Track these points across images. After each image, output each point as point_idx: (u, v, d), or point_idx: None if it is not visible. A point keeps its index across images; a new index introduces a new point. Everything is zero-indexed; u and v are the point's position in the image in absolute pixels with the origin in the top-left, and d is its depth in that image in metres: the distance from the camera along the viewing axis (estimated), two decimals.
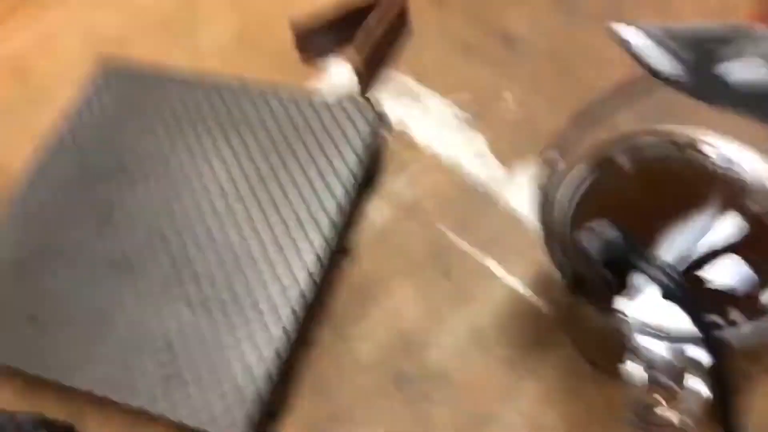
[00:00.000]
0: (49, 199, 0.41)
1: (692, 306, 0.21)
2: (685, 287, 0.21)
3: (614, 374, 0.33)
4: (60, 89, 0.51)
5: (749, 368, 0.31)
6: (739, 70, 0.17)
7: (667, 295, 0.22)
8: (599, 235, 0.23)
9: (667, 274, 0.21)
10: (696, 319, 0.21)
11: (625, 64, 0.44)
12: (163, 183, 0.40)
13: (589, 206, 0.31)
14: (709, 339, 0.21)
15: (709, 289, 0.27)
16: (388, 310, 0.38)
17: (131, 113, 0.44)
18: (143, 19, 0.55)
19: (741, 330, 0.24)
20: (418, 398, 0.35)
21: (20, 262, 0.39)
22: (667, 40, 0.18)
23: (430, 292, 0.38)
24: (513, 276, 0.38)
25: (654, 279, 0.21)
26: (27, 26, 0.56)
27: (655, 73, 0.19)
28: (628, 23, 0.20)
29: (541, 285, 0.37)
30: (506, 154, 0.42)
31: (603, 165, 0.32)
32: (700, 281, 0.27)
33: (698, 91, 0.19)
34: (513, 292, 0.38)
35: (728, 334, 0.24)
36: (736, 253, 0.28)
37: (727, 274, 0.27)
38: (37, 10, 0.57)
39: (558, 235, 0.29)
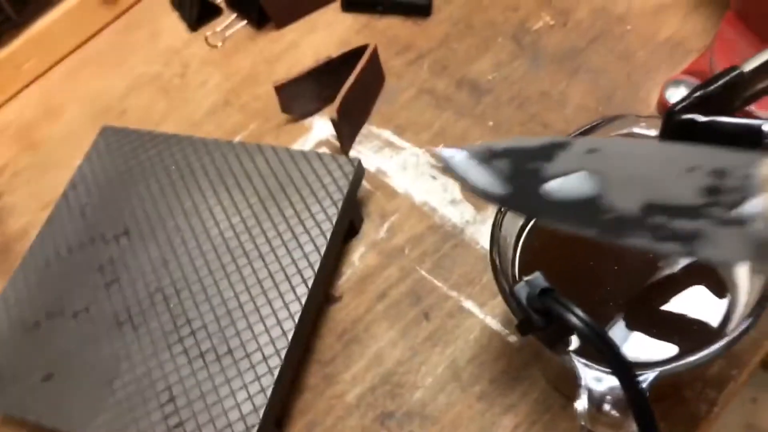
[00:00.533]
0: (58, 261, 0.44)
1: (607, 351, 0.23)
2: (600, 335, 0.24)
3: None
4: (67, 155, 0.55)
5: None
6: (561, 186, 0.19)
7: (584, 341, 0.25)
8: (529, 284, 0.26)
9: (584, 323, 0.23)
10: (611, 364, 0.24)
11: (586, 108, 0.47)
12: (162, 241, 0.43)
13: (530, 247, 0.34)
14: (623, 379, 0.24)
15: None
16: (373, 353, 0.41)
17: (131, 175, 0.47)
18: (143, 86, 0.58)
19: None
20: None
21: (35, 322, 0.42)
22: (490, 159, 0.19)
23: (411, 333, 0.41)
24: (489, 315, 0.41)
25: (573, 327, 0.24)
26: (35, 97, 0.60)
27: (479, 193, 0.20)
28: (453, 146, 0.20)
29: (514, 322, 0.40)
30: (479, 200, 0.45)
31: None
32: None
33: (522, 206, 0.20)
34: (489, 330, 0.40)
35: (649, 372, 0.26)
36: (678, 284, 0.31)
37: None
38: (45, 81, 0.61)
39: (506, 276, 0.31)
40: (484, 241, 0.44)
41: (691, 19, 0.50)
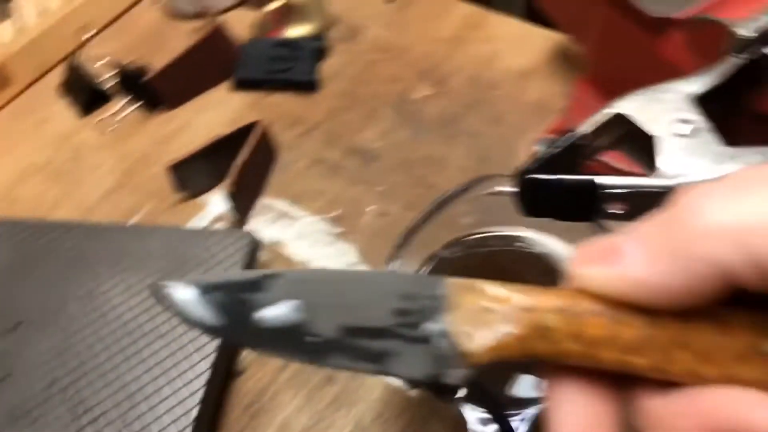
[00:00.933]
0: None
1: (487, 404, 0.26)
2: (481, 394, 0.26)
3: None
4: None
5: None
6: (270, 316, 0.20)
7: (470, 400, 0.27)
8: None
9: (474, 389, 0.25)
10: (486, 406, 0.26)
11: (466, 168, 0.50)
12: (56, 330, 0.42)
13: None
14: (499, 421, 0.26)
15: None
16: (279, 422, 0.41)
17: (23, 266, 0.46)
18: (33, 173, 0.58)
19: None
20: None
21: None
22: (208, 292, 0.20)
23: (315, 398, 0.42)
24: None
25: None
26: None
27: (196, 324, 0.20)
28: (170, 283, 0.21)
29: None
30: (374, 260, 0.47)
31: (433, 259, 0.38)
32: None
33: (237, 337, 0.21)
34: (390, 387, 0.42)
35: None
36: None
37: None
38: None
39: None
40: None
41: (553, 82, 0.55)
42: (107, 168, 0.57)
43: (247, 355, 0.44)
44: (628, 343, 0.18)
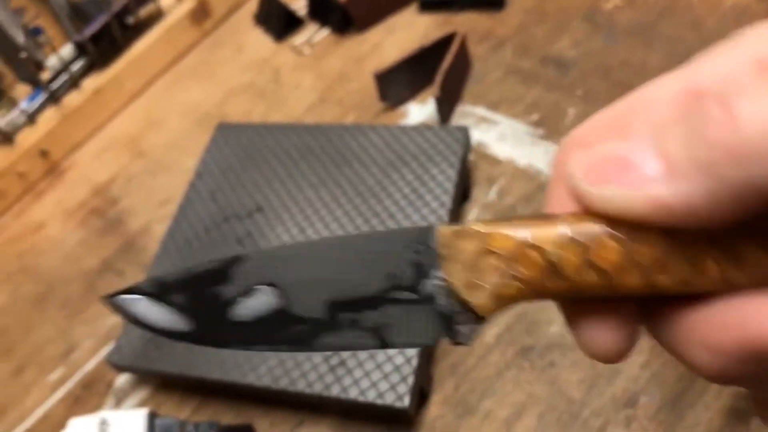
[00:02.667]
0: (197, 240, 0.48)
1: None
2: None
3: None
4: (174, 158, 0.60)
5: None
6: (244, 307, 0.17)
7: None
8: None
9: None
10: None
11: (665, 70, 0.51)
12: (295, 212, 0.47)
13: None
14: None
15: None
16: None
17: (253, 161, 0.51)
18: (238, 94, 0.63)
19: None
20: (546, 365, 0.41)
21: None
22: (165, 294, 0.18)
23: None
24: None
25: None
26: (138, 111, 0.65)
27: (163, 334, 0.18)
28: (120, 292, 0.18)
29: None
30: None
31: None
32: None
33: (212, 339, 0.18)
34: None
35: None
36: None
37: None
38: (146, 97, 0.66)
39: None
40: None
41: None
42: (308, 85, 0.61)
43: None
44: (651, 263, 0.16)
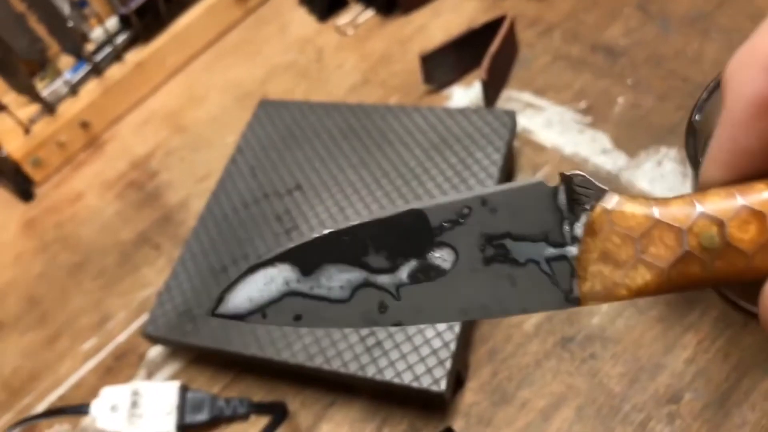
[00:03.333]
0: (236, 215, 0.47)
1: None
2: None
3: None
4: (214, 134, 0.59)
5: None
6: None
7: None
8: None
9: None
10: None
11: (723, 63, 0.49)
12: (335, 192, 0.46)
13: None
14: None
15: None
16: None
17: (294, 139, 0.50)
18: (280, 72, 0.62)
19: None
20: (586, 357, 0.40)
21: (222, 268, 0.45)
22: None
23: None
24: None
25: None
26: (179, 87, 0.65)
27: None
28: None
29: None
30: (630, 148, 0.47)
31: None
32: None
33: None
34: None
35: None
36: None
37: None
38: (187, 72, 0.66)
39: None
40: (641, 185, 0.45)
41: None
42: (350, 66, 0.60)
43: None
44: None
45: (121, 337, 0.49)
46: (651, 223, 0.17)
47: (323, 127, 0.50)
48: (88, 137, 0.63)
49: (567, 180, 0.18)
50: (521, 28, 0.57)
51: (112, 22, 0.63)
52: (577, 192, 0.18)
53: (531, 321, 0.42)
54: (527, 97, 0.53)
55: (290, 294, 0.19)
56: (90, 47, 0.63)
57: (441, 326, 0.38)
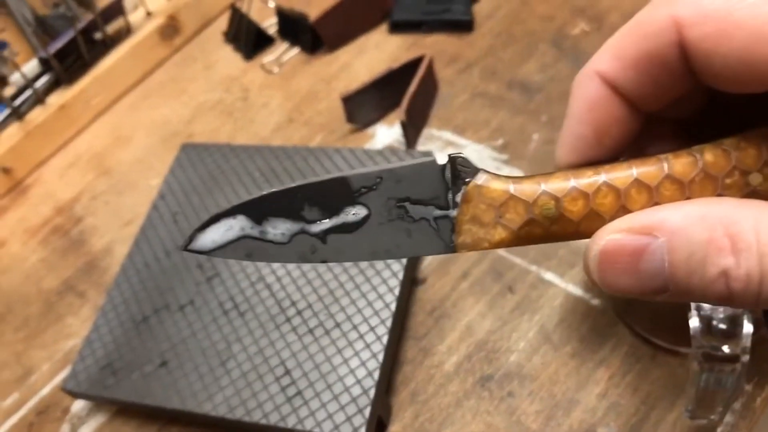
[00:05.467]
0: (157, 263, 0.47)
1: None
2: None
3: (672, 351, 0.38)
4: (140, 177, 0.59)
5: None
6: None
7: None
8: None
9: None
10: None
11: None
12: None
13: None
14: None
15: None
16: (464, 325, 0.44)
17: (216, 183, 0.50)
18: (206, 111, 0.62)
19: None
20: (504, 395, 0.41)
21: (144, 318, 0.44)
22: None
23: (497, 305, 0.44)
24: (570, 283, 0.44)
25: None
26: (105, 128, 0.64)
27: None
28: None
29: (596, 286, 0.43)
30: None
31: None
32: None
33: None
34: (572, 296, 0.43)
35: None
36: None
37: None
38: (113, 113, 0.65)
39: None
40: None
41: None
42: (276, 104, 0.61)
43: (428, 266, 0.47)
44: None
45: (45, 391, 0.48)
46: (507, 196, 0.23)
47: (245, 170, 0.50)
48: (10, 182, 0.62)
49: (452, 160, 0.24)
50: (441, 66, 0.58)
51: (33, 65, 0.62)
52: (458, 169, 0.24)
53: (452, 360, 0.42)
54: (447, 135, 0.54)
55: (244, 237, 0.24)
56: (10, 91, 0.62)
57: (361, 373, 0.39)
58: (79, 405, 0.47)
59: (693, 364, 0.31)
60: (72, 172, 0.62)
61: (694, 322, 0.31)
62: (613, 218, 0.23)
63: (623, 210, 0.23)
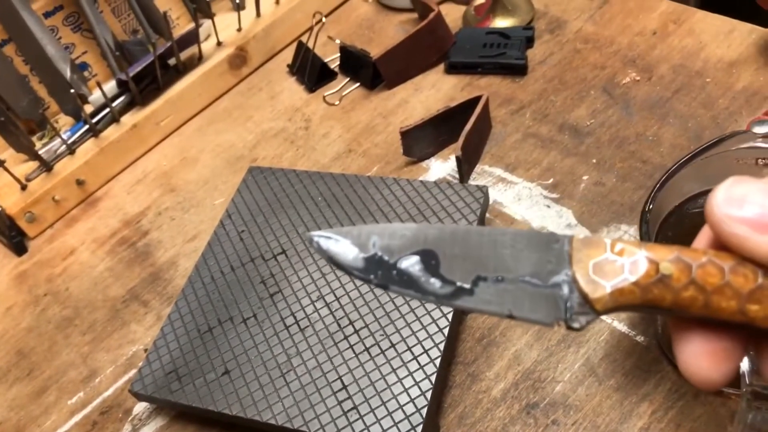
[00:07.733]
0: (222, 277, 0.50)
1: None
2: None
3: (716, 392, 0.40)
4: (205, 196, 0.62)
5: None
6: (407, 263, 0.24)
7: None
8: None
9: None
10: None
11: (679, 146, 0.53)
12: (318, 259, 0.49)
13: (667, 236, 0.39)
14: None
15: None
16: (512, 354, 0.46)
17: (281, 205, 0.53)
18: (269, 138, 0.66)
19: None
20: (549, 423, 0.42)
21: (209, 329, 0.47)
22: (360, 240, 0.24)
23: (544, 337, 0.46)
24: (615, 320, 0.46)
25: None
26: (172, 148, 0.68)
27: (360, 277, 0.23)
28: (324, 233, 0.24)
29: (642, 323, 0.45)
30: (592, 224, 0.51)
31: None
32: None
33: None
34: (617, 332, 0.45)
35: None
36: None
37: None
38: (180, 135, 0.69)
39: None
40: None
41: (763, 72, 0.57)
42: (336, 135, 0.64)
43: None
44: (746, 292, 0.21)
45: (108, 392, 0.51)
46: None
47: (308, 195, 0.53)
48: (83, 194, 0.66)
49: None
50: (495, 106, 0.61)
51: (111, 86, 0.67)
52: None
53: (499, 387, 0.44)
54: (499, 171, 0.56)
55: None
56: (88, 109, 0.66)
57: (414, 392, 0.41)
58: (140, 407, 0.49)
59: (741, 401, 0.33)
60: (139, 188, 0.66)
61: (744, 363, 0.32)
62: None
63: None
